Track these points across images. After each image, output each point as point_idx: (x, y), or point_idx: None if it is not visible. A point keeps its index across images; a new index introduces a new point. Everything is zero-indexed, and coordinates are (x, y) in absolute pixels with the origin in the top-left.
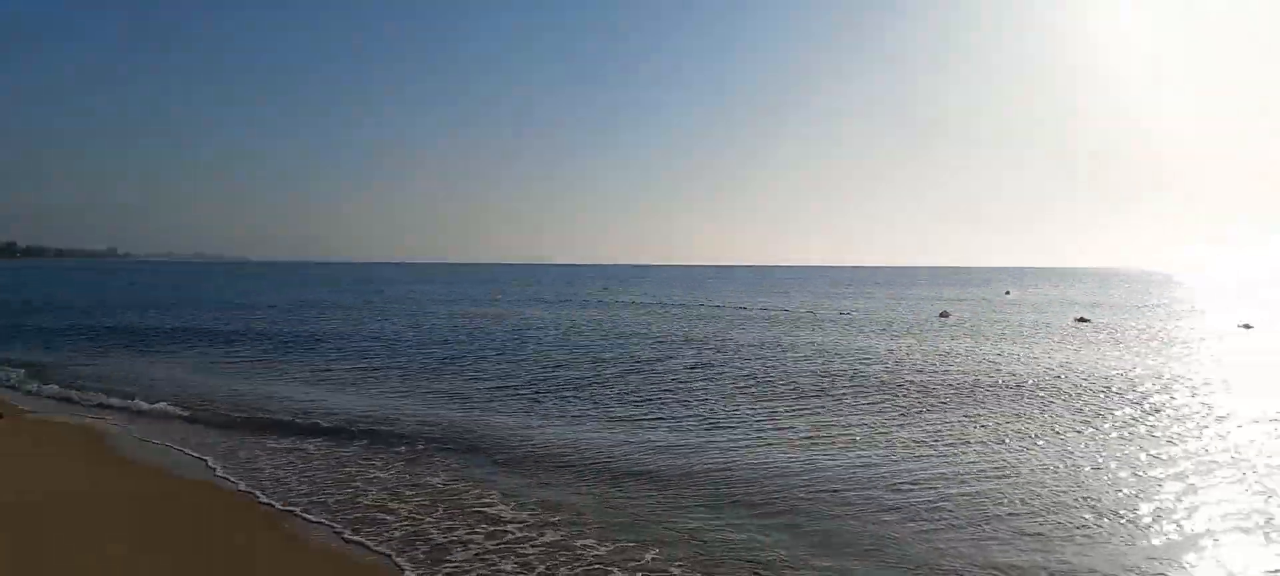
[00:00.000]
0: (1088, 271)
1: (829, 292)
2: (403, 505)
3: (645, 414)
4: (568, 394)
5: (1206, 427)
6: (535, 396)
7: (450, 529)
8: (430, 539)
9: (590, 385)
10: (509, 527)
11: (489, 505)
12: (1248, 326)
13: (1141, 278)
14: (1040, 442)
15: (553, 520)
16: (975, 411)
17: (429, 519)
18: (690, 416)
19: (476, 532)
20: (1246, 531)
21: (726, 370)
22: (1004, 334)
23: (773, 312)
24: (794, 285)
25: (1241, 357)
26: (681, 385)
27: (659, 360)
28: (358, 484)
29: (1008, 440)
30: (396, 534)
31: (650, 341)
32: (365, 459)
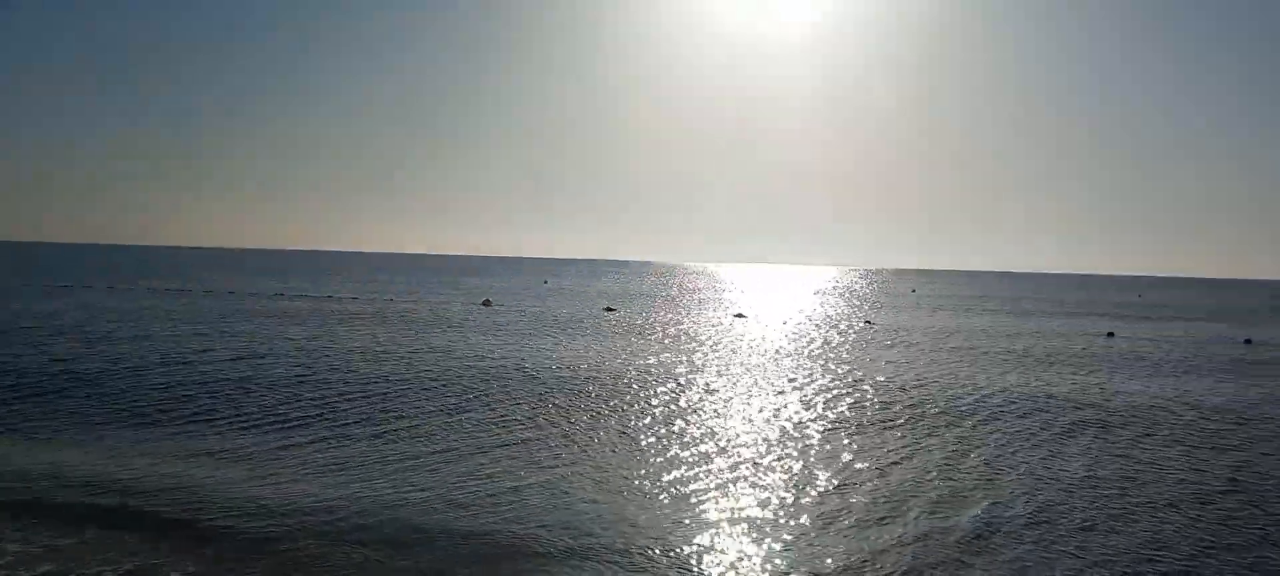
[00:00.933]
0: (616, 263)
1: (366, 282)
2: None
3: (185, 422)
4: (88, 401)
5: (716, 407)
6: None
7: None
8: None
9: (113, 389)
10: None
11: None
12: (742, 315)
13: (641, 268)
14: (577, 435)
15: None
16: (517, 408)
17: None
18: (231, 425)
19: None
20: (751, 494)
21: (274, 371)
22: (543, 326)
23: (320, 299)
24: (322, 273)
25: (740, 344)
26: (228, 386)
27: (199, 354)
28: None
29: (553, 437)
30: None
31: (186, 337)
32: None
